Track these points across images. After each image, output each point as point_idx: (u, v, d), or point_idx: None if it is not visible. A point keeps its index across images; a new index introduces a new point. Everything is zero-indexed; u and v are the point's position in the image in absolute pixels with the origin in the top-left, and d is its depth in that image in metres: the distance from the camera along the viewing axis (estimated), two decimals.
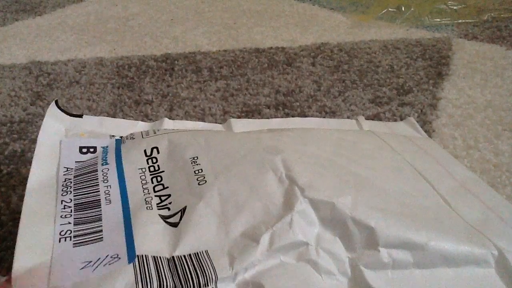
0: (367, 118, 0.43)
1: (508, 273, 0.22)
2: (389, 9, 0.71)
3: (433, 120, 0.42)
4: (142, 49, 0.60)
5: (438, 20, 0.67)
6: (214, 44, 0.61)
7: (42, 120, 0.43)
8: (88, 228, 0.23)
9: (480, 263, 0.22)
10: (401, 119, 0.42)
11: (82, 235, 0.22)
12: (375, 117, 0.43)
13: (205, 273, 0.20)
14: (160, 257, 0.21)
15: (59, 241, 0.22)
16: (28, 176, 0.35)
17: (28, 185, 0.25)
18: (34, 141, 0.40)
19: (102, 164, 0.27)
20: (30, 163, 0.37)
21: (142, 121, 0.42)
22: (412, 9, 0.70)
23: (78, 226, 0.23)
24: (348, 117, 0.43)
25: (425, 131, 0.40)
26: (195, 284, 0.20)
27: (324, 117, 0.43)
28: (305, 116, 0.43)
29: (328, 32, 0.65)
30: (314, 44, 0.60)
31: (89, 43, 0.62)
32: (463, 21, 0.68)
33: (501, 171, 0.35)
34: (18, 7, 0.77)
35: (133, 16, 0.73)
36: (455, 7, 0.71)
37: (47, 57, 0.57)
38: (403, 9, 0.71)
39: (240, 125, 0.35)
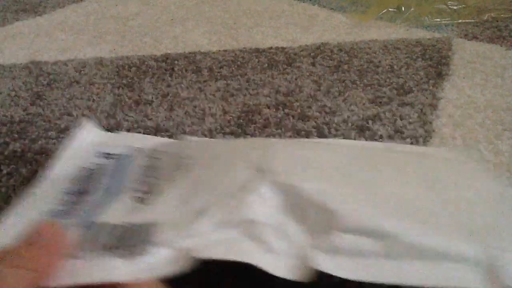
0: (367, 118, 0.43)
1: (490, 273, 0.20)
2: (389, 9, 0.71)
3: (433, 120, 0.42)
4: (142, 49, 0.60)
5: (438, 20, 0.68)
6: (214, 44, 0.61)
7: (42, 120, 0.43)
8: (73, 207, 0.25)
9: (460, 261, 0.20)
10: (401, 119, 0.42)
11: (64, 210, 0.25)
12: (375, 117, 0.43)
13: (146, 237, 0.21)
14: (114, 224, 0.23)
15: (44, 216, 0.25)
16: (28, 176, 0.35)
17: (44, 179, 0.28)
18: (34, 141, 0.40)
19: (113, 164, 0.30)
20: (30, 163, 0.37)
21: (142, 121, 0.42)
22: (412, 9, 0.70)
23: (64, 206, 0.26)
24: (348, 117, 0.43)
25: (425, 131, 0.40)
26: (131, 244, 0.21)
27: (324, 117, 0.43)
28: (305, 116, 0.43)
29: (328, 32, 0.65)
30: (314, 44, 0.60)
31: (89, 43, 0.62)
32: (463, 21, 0.68)
33: (501, 171, 0.35)
34: (18, 7, 0.77)
35: (133, 16, 0.73)
36: (455, 7, 0.71)
37: (47, 57, 0.57)
38: (403, 9, 0.71)
39: None
